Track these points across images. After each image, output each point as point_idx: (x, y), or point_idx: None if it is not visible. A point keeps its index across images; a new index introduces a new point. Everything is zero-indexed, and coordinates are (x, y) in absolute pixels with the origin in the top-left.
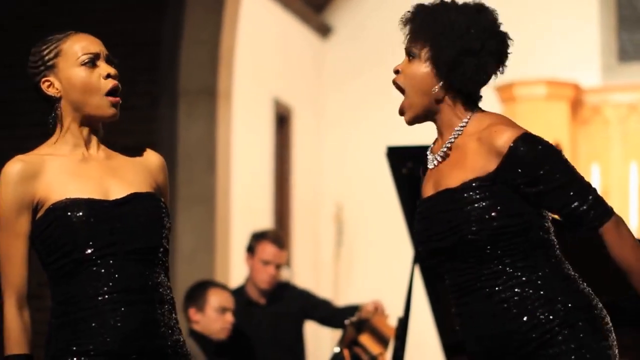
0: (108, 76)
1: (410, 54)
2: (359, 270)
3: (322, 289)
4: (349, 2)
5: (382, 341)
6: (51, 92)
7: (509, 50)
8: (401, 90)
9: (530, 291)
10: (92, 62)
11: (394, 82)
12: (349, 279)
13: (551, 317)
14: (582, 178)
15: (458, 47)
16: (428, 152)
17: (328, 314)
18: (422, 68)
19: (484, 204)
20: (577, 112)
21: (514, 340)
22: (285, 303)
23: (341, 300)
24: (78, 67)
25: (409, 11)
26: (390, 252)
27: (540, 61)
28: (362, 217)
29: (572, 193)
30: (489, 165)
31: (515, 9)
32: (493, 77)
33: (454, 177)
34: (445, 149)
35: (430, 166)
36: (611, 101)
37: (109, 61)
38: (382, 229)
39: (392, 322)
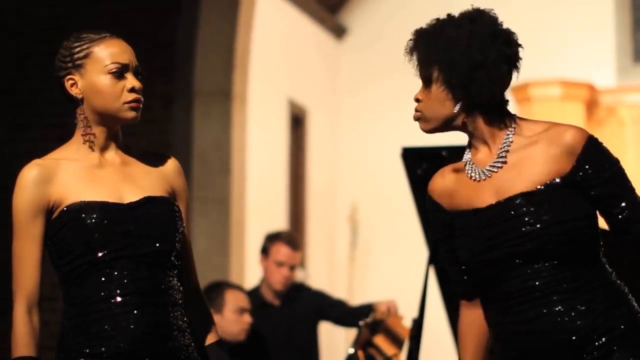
0: (132, 90)
1: (425, 81)
2: (374, 271)
3: (337, 290)
4: (364, 4)
5: (397, 342)
6: (73, 91)
7: (517, 49)
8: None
9: (602, 294)
10: (120, 73)
11: (416, 110)
12: (364, 280)
13: (622, 321)
14: (635, 189)
15: (464, 65)
16: (469, 165)
17: (343, 313)
18: (439, 93)
19: (567, 204)
20: (592, 112)
21: (584, 343)
22: (299, 304)
23: (356, 301)
24: (105, 74)
25: (410, 39)
26: (405, 253)
27: (555, 62)
28: (377, 218)
29: (626, 202)
30: (564, 165)
31: (530, 10)
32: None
33: (524, 180)
34: (502, 158)
35: (479, 178)
36: (626, 102)
37: (136, 73)
38: (397, 230)
39: (407, 323)
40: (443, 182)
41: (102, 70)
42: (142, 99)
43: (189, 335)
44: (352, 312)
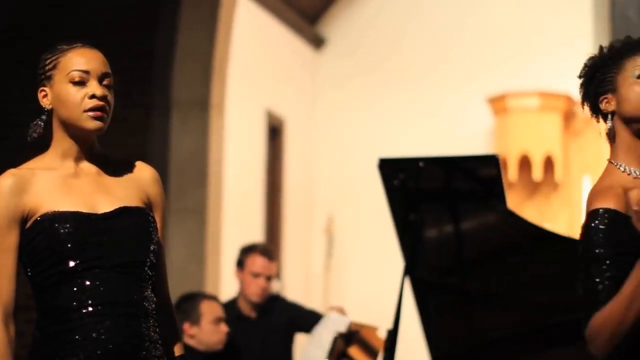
0: (93, 96)
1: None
2: (350, 281)
3: (313, 301)
4: (343, 14)
5: (372, 353)
6: (44, 102)
7: None
8: None
9: None
10: (82, 81)
11: None
12: (340, 291)
13: None
14: None
15: None
16: (625, 167)
17: (314, 323)
18: None
19: None
20: (569, 123)
21: None
22: (275, 316)
23: None
24: (67, 83)
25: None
26: (381, 264)
27: (533, 72)
28: (353, 228)
29: None
30: None
31: (508, 20)
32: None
33: None
34: None
35: None
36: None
37: (102, 80)
38: (373, 241)
39: (382, 334)
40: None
41: (65, 79)
42: (107, 107)
43: (160, 347)
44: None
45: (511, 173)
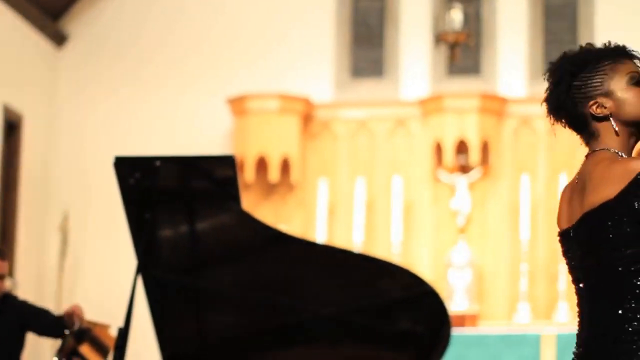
0: None
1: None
2: (84, 280)
3: (46, 300)
4: (86, 12)
5: (102, 351)
6: None
7: None
8: None
9: None
10: None
11: None
12: (74, 289)
13: None
14: None
15: None
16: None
17: (47, 323)
18: None
19: None
20: (307, 126)
21: None
22: (5, 315)
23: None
24: None
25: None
26: (116, 263)
27: (273, 74)
28: (89, 226)
29: None
30: None
31: (250, 21)
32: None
33: None
34: None
35: None
36: (341, 117)
37: None
38: (109, 239)
39: (114, 332)
40: None
41: None
42: None
43: None
44: (57, 322)
45: (248, 174)
